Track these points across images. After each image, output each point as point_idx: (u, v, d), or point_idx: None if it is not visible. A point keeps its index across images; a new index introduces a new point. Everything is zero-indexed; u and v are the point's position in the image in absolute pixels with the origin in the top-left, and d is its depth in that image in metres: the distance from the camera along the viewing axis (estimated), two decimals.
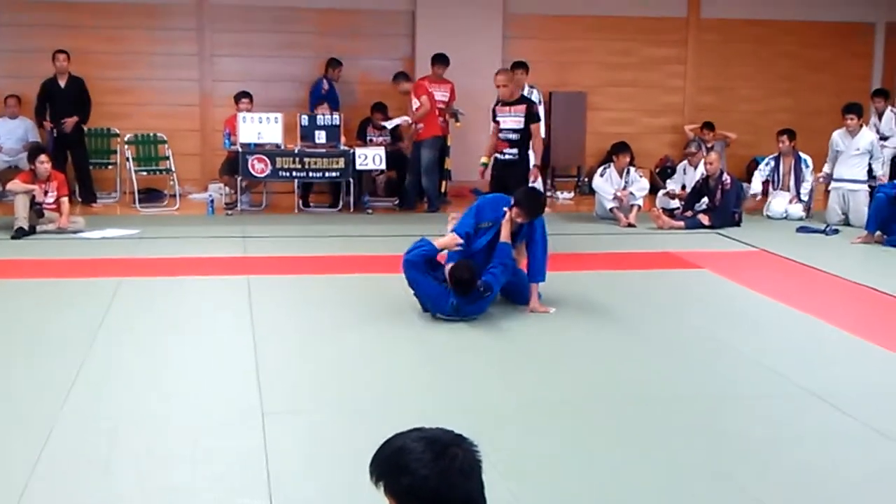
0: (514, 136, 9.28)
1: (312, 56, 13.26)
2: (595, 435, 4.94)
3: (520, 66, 12.05)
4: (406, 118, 12.14)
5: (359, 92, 13.36)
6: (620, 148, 11.60)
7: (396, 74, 12.64)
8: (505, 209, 7.18)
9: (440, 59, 12.39)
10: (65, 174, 11.12)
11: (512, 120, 9.25)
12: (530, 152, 9.50)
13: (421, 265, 6.97)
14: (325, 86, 12.71)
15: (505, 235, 7.11)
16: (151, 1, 13.00)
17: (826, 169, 11.83)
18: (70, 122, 11.99)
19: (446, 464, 2.08)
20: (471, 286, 6.77)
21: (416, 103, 12.05)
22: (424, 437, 2.14)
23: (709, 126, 13.55)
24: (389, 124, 12.47)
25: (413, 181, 12.24)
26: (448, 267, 6.94)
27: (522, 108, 9.27)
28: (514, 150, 9.30)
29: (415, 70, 12.86)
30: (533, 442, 4.81)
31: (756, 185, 12.18)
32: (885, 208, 10.14)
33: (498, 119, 9.34)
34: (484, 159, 9.57)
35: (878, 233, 10.18)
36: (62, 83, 12.10)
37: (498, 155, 9.38)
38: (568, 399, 5.44)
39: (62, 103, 12.05)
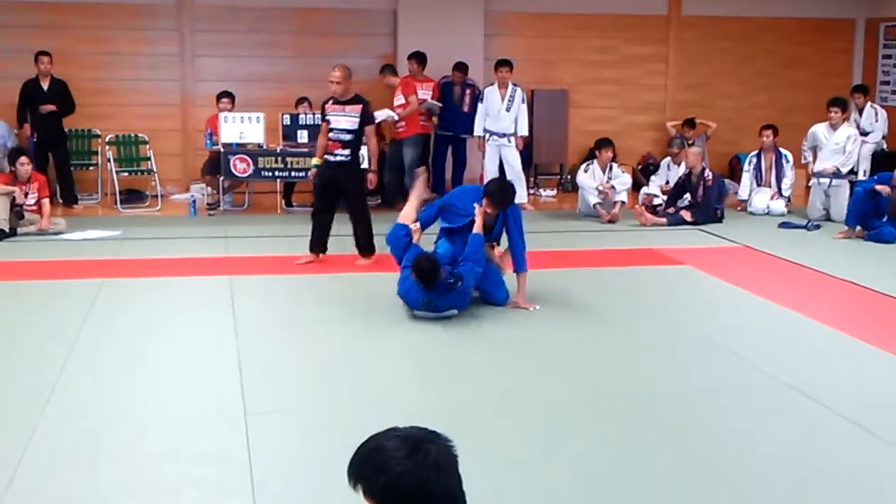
0: (346, 137, 8.69)
1: (294, 55, 13.23)
2: (577, 430, 4.96)
3: (504, 64, 12.07)
4: (391, 114, 12.08)
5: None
6: (603, 143, 11.64)
7: (384, 67, 12.58)
8: (475, 204, 7.21)
9: (417, 57, 12.39)
10: (46, 176, 11.06)
11: (346, 120, 8.68)
12: (363, 154, 9.10)
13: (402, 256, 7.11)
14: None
15: (478, 227, 7.14)
16: (132, 1, 12.94)
17: (808, 158, 11.90)
18: (46, 108, 11.85)
19: (421, 459, 2.09)
20: (434, 276, 6.79)
21: (399, 99, 12.03)
22: (399, 435, 2.15)
23: (689, 123, 13.59)
24: (378, 115, 12.36)
25: (392, 179, 12.23)
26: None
27: (358, 108, 8.72)
28: (347, 152, 8.70)
29: (397, 69, 12.84)
30: (514, 437, 4.84)
31: (745, 189, 12.13)
32: (863, 202, 10.18)
33: (329, 118, 8.73)
34: (315, 160, 8.90)
35: (858, 228, 10.23)
36: (44, 85, 12.02)
37: (328, 156, 8.74)
38: (550, 395, 5.46)
39: (44, 103, 11.96)
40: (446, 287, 6.84)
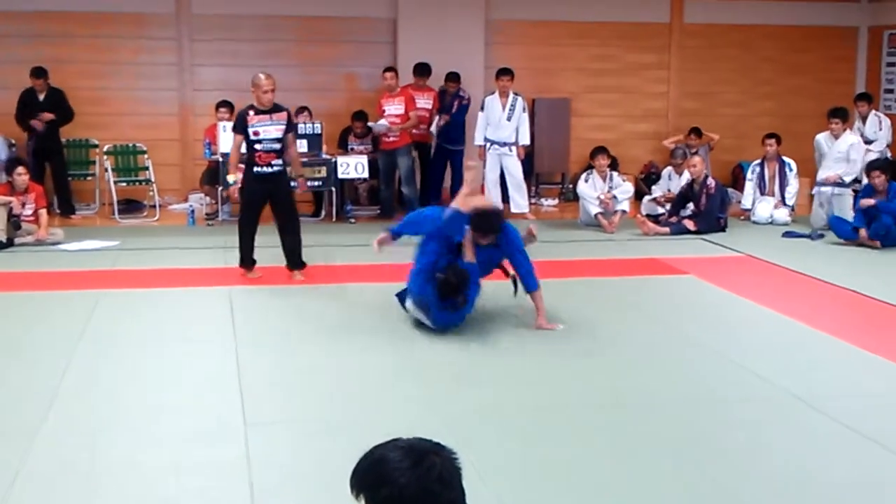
0: (277, 146, 8.39)
1: (293, 64, 13.18)
2: (579, 439, 4.91)
3: (505, 72, 12.03)
4: (386, 124, 12.00)
5: (341, 100, 13.28)
6: (598, 151, 11.61)
7: (390, 67, 12.46)
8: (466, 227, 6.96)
9: (422, 70, 12.35)
10: (43, 185, 11.01)
11: (275, 129, 8.37)
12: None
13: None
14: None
15: (469, 257, 6.88)
16: (130, 11, 12.90)
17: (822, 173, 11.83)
18: (45, 116, 11.82)
19: (424, 471, 2.06)
20: (457, 293, 6.68)
21: (398, 109, 11.95)
22: (402, 446, 2.13)
23: (696, 132, 13.53)
24: (373, 125, 12.32)
25: (387, 189, 12.19)
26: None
27: (284, 115, 8.48)
28: (280, 161, 8.43)
29: (398, 78, 12.79)
30: (517, 448, 4.79)
31: (748, 197, 12.07)
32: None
33: (256, 129, 8.33)
34: (233, 176, 8.57)
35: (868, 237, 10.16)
36: (41, 96, 11.99)
37: (261, 168, 8.36)
38: (552, 405, 5.41)
39: (39, 114, 11.92)
40: (452, 305, 6.73)
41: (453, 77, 12.65)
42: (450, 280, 6.66)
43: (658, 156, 14.01)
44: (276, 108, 8.45)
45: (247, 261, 8.64)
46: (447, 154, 12.71)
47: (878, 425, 5.08)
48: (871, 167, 10.72)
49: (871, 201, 10.17)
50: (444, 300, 6.69)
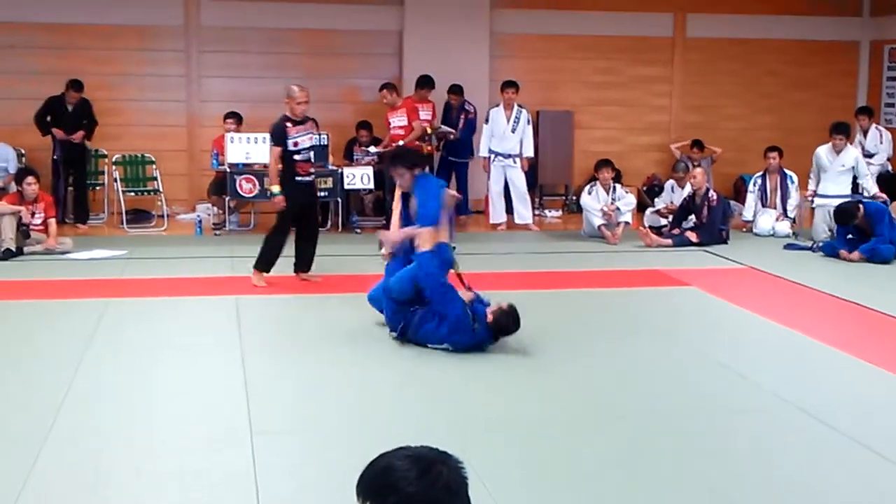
0: (311, 155, 8.82)
1: (300, 76, 13.25)
2: (582, 450, 4.95)
3: (510, 85, 12.11)
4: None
5: (346, 111, 13.37)
6: (602, 164, 11.68)
7: (386, 84, 12.56)
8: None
9: (426, 82, 12.43)
10: (55, 196, 11.11)
11: (308, 138, 8.73)
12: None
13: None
14: None
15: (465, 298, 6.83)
16: (140, 23, 13.01)
17: (811, 186, 11.86)
18: (77, 137, 12.00)
19: (432, 481, 2.08)
20: (508, 333, 6.67)
21: (402, 121, 12.03)
22: (409, 455, 2.14)
23: (698, 144, 13.60)
24: (374, 150, 12.43)
25: (392, 201, 12.25)
26: (492, 309, 6.65)
27: (312, 124, 8.92)
28: (313, 170, 8.86)
29: (402, 90, 12.89)
30: (521, 458, 4.82)
31: (750, 210, 12.13)
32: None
33: (296, 140, 8.56)
34: (277, 187, 8.62)
35: (855, 252, 10.16)
36: (70, 107, 12.08)
37: (301, 178, 8.62)
38: (555, 415, 5.45)
39: (68, 125, 12.02)
40: (463, 326, 6.59)
41: (456, 90, 12.73)
42: (509, 321, 6.60)
43: (661, 168, 14.08)
44: (306, 119, 8.74)
45: (270, 266, 8.73)
46: (452, 166, 12.80)
47: (879, 436, 5.10)
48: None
49: (856, 256, 10.13)
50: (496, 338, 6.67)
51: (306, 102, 8.61)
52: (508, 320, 6.59)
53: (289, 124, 8.58)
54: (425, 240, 6.80)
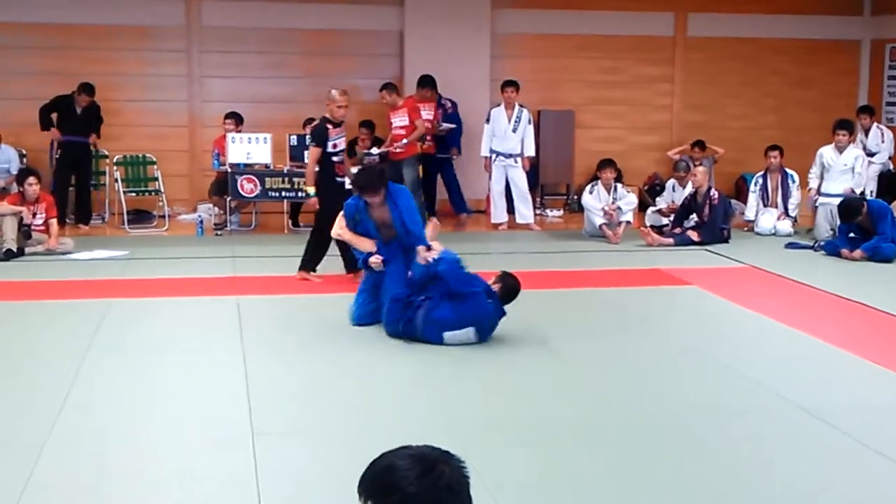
0: (343, 157, 9.03)
1: (301, 76, 13.29)
2: (583, 450, 4.94)
3: (510, 84, 12.10)
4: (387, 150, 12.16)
5: (348, 112, 13.34)
6: (605, 164, 11.67)
7: (385, 84, 12.55)
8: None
9: (427, 82, 12.43)
10: (54, 196, 11.10)
11: (343, 141, 8.97)
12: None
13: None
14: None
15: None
16: (141, 23, 13.01)
17: (813, 184, 11.85)
18: (93, 138, 12.11)
19: (433, 480, 2.08)
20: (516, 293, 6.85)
21: (403, 120, 12.04)
22: (411, 454, 2.14)
23: (700, 144, 13.59)
24: (375, 151, 12.43)
25: None
26: (492, 281, 6.92)
27: (345, 126, 9.07)
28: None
29: (403, 90, 12.88)
30: (522, 458, 4.82)
31: (751, 209, 12.13)
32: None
33: (335, 142, 8.79)
34: (313, 189, 8.86)
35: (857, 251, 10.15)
36: (79, 109, 12.08)
37: (340, 178, 8.85)
38: (557, 416, 5.44)
39: (76, 126, 12.03)
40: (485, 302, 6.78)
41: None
42: (512, 285, 6.86)
43: (662, 167, 14.07)
44: (341, 122, 8.92)
45: (317, 265, 8.90)
46: (438, 163, 12.79)
47: (883, 437, 5.08)
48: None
49: (857, 255, 10.12)
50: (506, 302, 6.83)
51: (346, 106, 8.86)
52: (511, 278, 6.89)
53: (329, 126, 8.77)
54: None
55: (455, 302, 6.72)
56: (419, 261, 7.02)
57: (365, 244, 7.39)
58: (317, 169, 8.84)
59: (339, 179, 8.83)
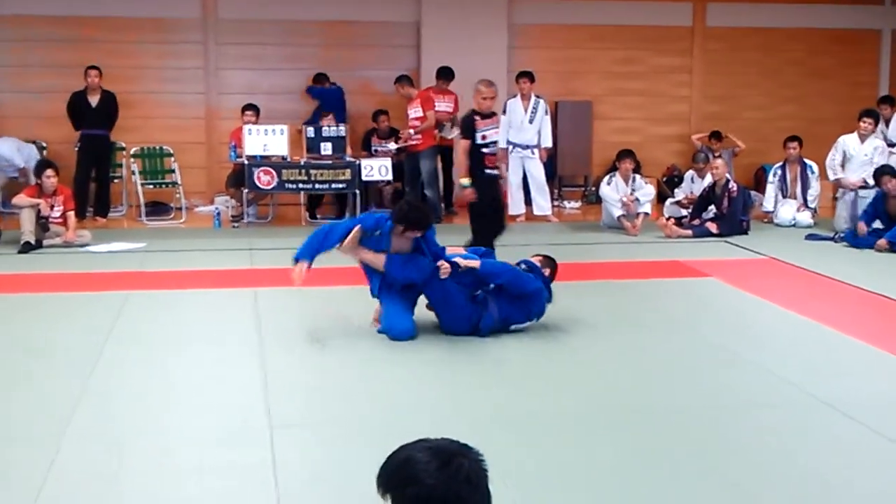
0: (496, 149, 9.11)
1: (318, 68, 13.29)
2: (602, 445, 4.91)
3: (524, 75, 12.06)
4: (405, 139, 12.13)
5: (364, 103, 13.36)
6: (623, 154, 11.63)
7: (399, 77, 12.55)
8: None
9: (445, 73, 12.40)
10: (87, 187, 11.16)
11: (494, 132, 8.99)
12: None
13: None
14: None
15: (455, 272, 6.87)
16: (157, 15, 13.04)
17: (834, 175, 11.73)
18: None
19: (452, 473, 2.08)
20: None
21: (417, 112, 12.03)
22: (430, 447, 2.14)
23: (716, 136, 13.52)
24: (392, 146, 12.43)
25: (411, 192, 12.25)
26: (539, 260, 7.11)
27: (497, 118, 9.12)
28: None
29: (420, 81, 12.87)
30: (540, 452, 4.79)
31: (770, 200, 12.07)
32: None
33: (484, 133, 8.78)
34: (467, 180, 8.80)
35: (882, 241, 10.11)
36: (93, 101, 12.09)
37: (490, 170, 8.88)
38: (575, 409, 5.41)
39: (92, 120, 12.05)
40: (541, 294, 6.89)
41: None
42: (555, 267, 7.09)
43: (680, 159, 14.02)
44: (492, 113, 8.93)
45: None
46: (439, 150, 12.74)
47: None
48: (881, 172, 10.68)
49: (882, 244, 10.08)
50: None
51: (493, 98, 8.84)
52: (554, 262, 7.17)
53: (477, 118, 8.79)
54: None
55: (521, 302, 6.84)
56: (441, 276, 6.79)
57: (381, 262, 7.02)
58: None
59: (488, 171, 8.84)
